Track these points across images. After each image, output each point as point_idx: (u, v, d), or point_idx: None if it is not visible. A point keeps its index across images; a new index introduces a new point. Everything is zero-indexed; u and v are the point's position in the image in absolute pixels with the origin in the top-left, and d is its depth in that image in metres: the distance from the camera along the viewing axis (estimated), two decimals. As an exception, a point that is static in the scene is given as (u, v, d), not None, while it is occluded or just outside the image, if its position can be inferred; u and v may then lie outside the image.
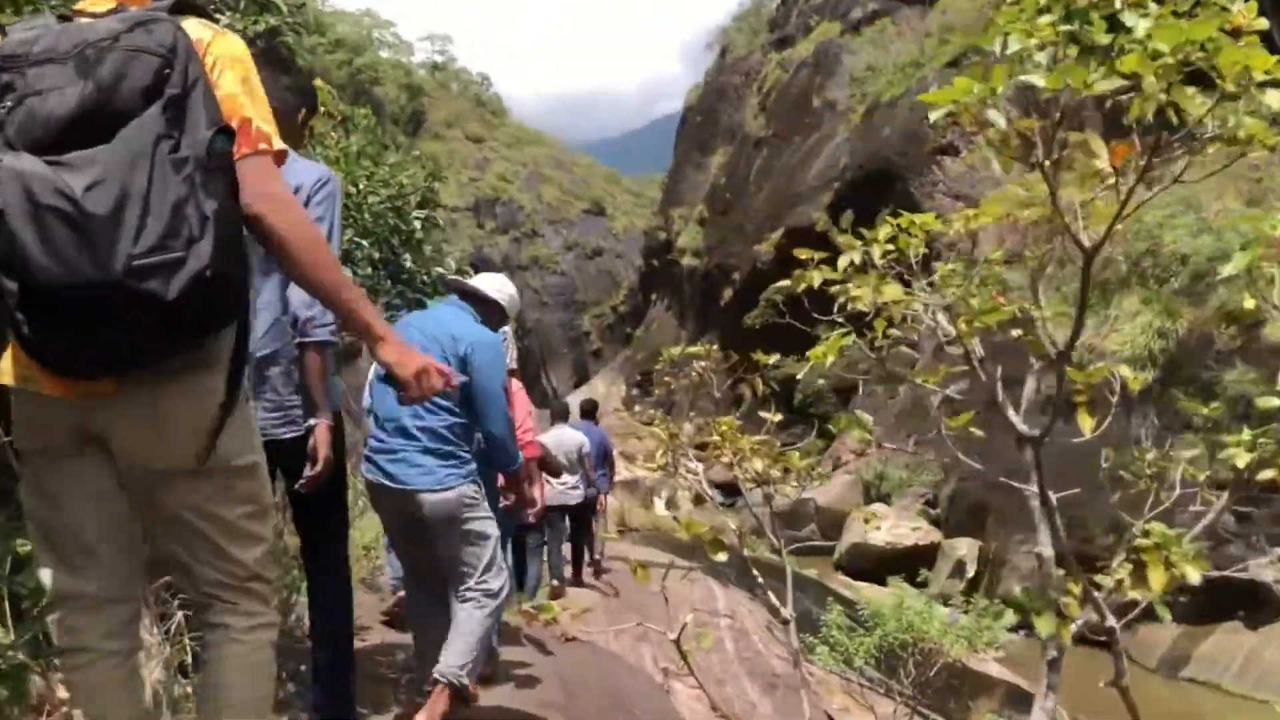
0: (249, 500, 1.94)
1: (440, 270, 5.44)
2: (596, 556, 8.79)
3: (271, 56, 3.08)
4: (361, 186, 4.74)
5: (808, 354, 3.37)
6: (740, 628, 6.94)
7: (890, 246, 3.01)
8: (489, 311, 4.00)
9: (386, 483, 3.63)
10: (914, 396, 22.66)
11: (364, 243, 4.61)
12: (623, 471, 26.39)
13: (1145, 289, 15.61)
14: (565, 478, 8.27)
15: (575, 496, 8.17)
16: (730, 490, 26.15)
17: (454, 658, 3.52)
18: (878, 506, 18.25)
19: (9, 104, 1.69)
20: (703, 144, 41.93)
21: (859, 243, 2.85)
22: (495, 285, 4.09)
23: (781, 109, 32.21)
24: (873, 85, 27.92)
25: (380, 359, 2.01)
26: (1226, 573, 11.60)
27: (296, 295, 2.87)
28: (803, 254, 2.91)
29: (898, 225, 3.06)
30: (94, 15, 1.83)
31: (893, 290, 2.76)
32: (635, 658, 5.79)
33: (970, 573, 16.41)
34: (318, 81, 4.23)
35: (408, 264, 5.14)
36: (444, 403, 3.60)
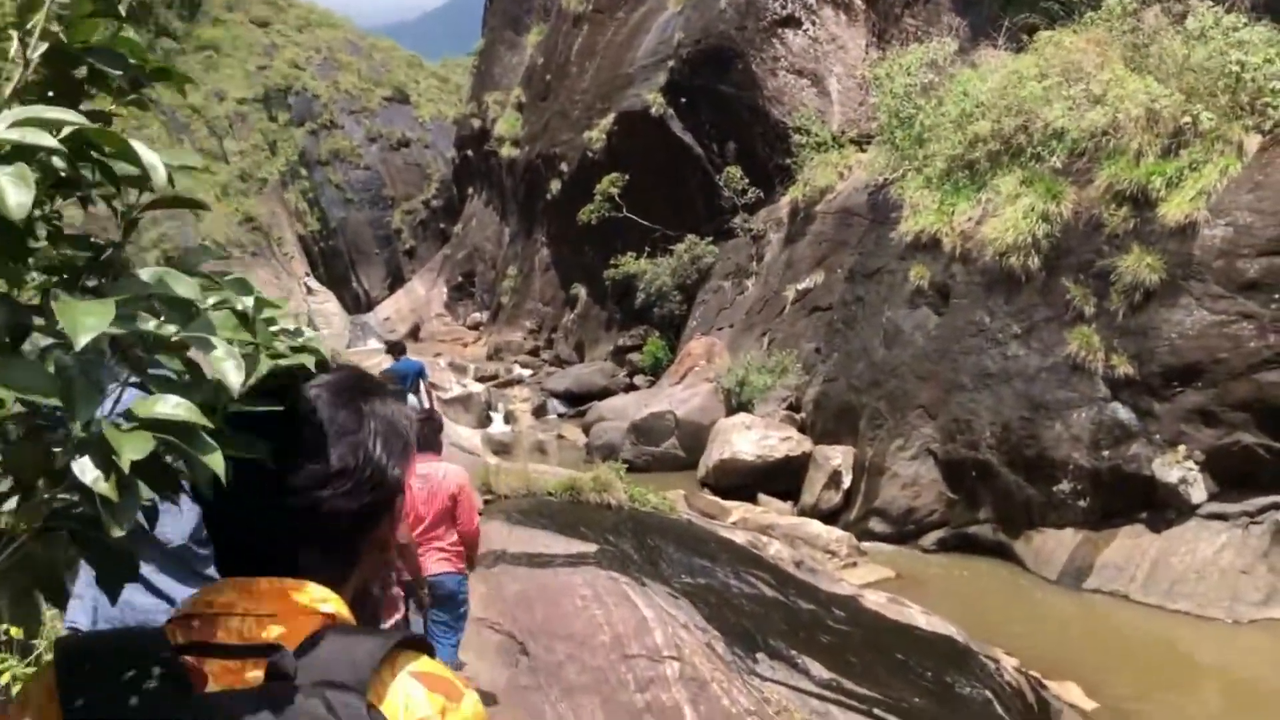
0: None
1: None
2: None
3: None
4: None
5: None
6: (694, 674, 5.26)
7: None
8: None
9: None
10: (764, 291, 21.36)
11: None
12: (454, 386, 24.31)
13: (1023, 169, 14.45)
14: None
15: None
16: (574, 399, 24.55)
17: None
18: (742, 416, 16.88)
19: None
20: (515, 21, 38.86)
21: None
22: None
23: (601, -19, 29.67)
24: (700, -47, 25.78)
25: None
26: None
27: None
28: None
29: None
30: (206, 657, 1.15)
31: None
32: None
33: (846, 483, 15.30)
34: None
35: None
36: None
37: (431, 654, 1.22)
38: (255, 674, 1.10)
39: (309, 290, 43.83)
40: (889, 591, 10.96)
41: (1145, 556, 11.84)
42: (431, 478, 5.68)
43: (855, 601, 8.54)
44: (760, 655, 6.00)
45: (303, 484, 1.19)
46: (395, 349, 10.99)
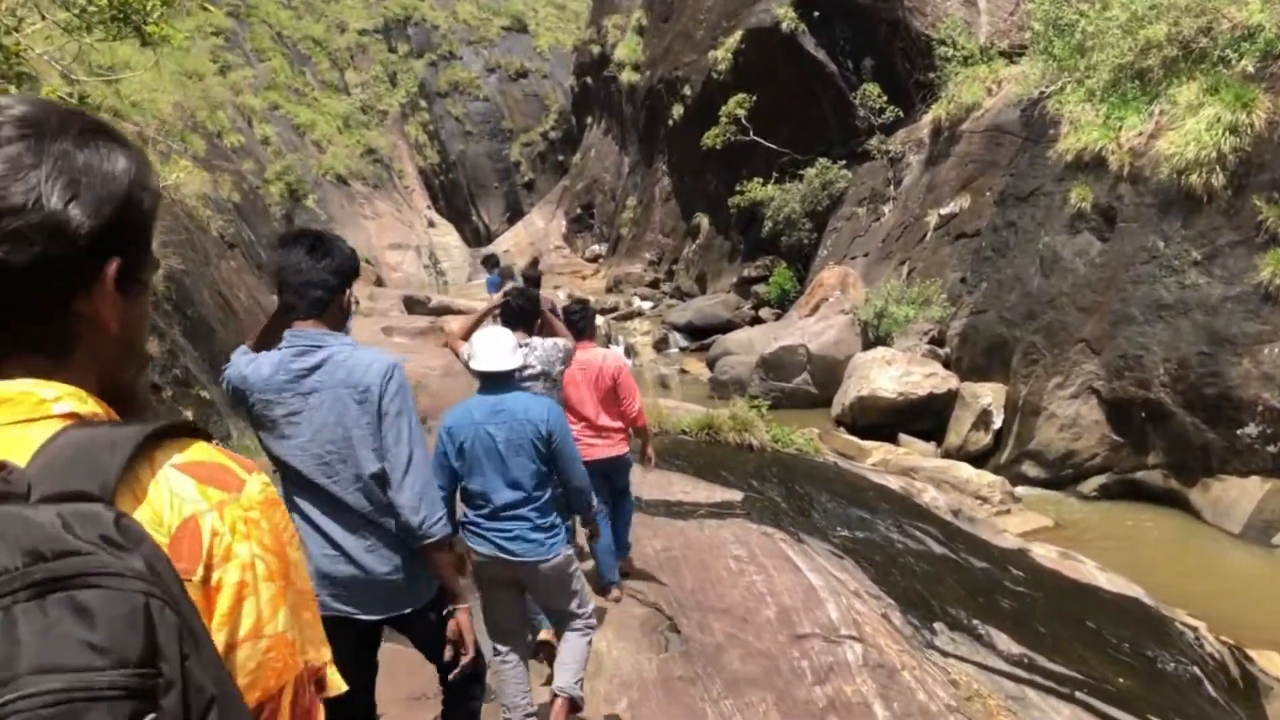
0: None
1: None
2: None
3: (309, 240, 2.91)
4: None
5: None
6: (880, 659, 4.39)
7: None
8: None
9: (504, 556, 3.94)
10: (903, 216, 20.07)
11: None
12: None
13: (1206, 75, 12.88)
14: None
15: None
16: (696, 332, 23.71)
17: (569, 677, 4.00)
18: (881, 350, 15.81)
19: None
20: (636, -59, 37.50)
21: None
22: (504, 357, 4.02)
23: (726, -108, 28.15)
24: None
25: None
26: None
27: (404, 499, 2.84)
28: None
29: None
30: None
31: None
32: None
33: (997, 423, 14.16)
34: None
35: None
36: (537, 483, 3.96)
37: (207, 439, 1.01)
38: None
39: (430, 223, 43.80)
40: (1049, 542, 9.93)
41: (1351, 510, 10.52)
42: (591, 363, 5.73)
43: (1028, 557, 7.57)
44: (939, 626, 5.12)
45: None
46: (488, 261, 12.45)
